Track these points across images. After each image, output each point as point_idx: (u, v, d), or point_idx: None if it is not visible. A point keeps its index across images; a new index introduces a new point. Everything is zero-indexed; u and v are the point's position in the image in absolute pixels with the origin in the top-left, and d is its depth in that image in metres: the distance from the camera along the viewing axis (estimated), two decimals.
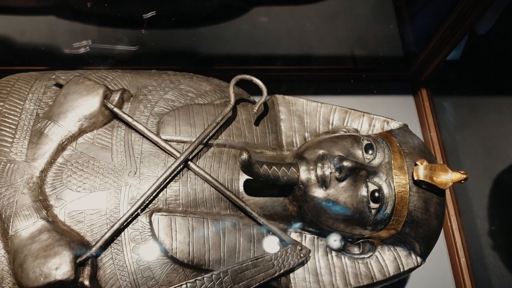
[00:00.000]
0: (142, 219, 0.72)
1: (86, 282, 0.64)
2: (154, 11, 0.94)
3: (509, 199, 1.22)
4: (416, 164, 0.75)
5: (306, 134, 0.88)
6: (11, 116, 0.75)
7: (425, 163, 0.75)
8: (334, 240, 0.78)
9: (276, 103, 0.90)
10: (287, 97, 0.91)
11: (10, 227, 0.66)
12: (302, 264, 0.77)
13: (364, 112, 0.91)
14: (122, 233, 0.70)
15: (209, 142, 0.80)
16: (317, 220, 0.75)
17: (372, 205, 0.73)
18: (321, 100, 1.29)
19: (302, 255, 0.76)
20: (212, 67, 1.25)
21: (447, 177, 0.74)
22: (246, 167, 0.69)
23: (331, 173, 0.73)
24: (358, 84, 1.32)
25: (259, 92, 0.84)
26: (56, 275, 0.63)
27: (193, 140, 0.78)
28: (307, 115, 0.90)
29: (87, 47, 0.99)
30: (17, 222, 0.66)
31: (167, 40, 1.14)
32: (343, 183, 0.73)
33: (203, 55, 1.23)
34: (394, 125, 0.89)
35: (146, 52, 1.09)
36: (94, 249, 0.66)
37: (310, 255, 0.77)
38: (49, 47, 1.16)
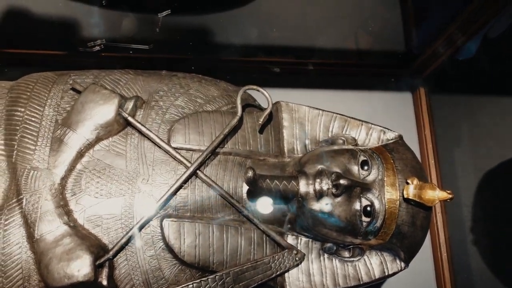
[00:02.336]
0: (154, 223, 0.79)
1: (104, 282, 0.72)
2: (169, 10, 0.97)
3: (494, 197, 1.29)
4: (407, 183, 0.82)
5: (307, 141, 0.93)
6: (32, 123, 0.80)
7: (415, 181, 0.82)
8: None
9: (279, 110, 0.94)
10: (290, 104, 0.96)
11: (36, 231, 0.73)
12: (297, 266, 0.85)
13: (362, 121, 0.96)
14: (136, 237, 0.77)
15: (216, 150, 0.85)
16: (312, 228, 0.83)
17: (364, 218, 0.80)
18: (320, 94, 1.34)
19: (297, 258, 0.84)
20: (220, 58, 1.28)
21: (434, 195, 0.81)
22: (251, 184, 0.75)
23: (328, 189, 0.79)
24: (358, 79, 1.36)
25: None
26: (78, 277, 0.70)
27: (201, 148, 0.83)
28: (308, 122, 0.95)
29: (102, 46, 1.02)
30: (42, 227, 0.73)
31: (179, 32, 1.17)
32: (339, 198, 0.80)
33: (210, 45, 1.26)
34: (390, 135, 0.94)
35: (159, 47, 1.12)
36: (111, 252, 0.74)
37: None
38: (59, 32, 1.19)
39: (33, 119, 0.81)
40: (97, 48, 1.01)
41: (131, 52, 1.09)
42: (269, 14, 1.25)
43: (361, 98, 1.35)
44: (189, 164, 0.81)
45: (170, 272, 0.78)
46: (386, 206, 0.81)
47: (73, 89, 0.85)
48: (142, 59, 1.20)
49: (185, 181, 0.81)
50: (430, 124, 1.32)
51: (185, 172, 0.80)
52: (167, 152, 0.82)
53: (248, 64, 1.30)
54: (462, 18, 1.13)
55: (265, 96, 0.89)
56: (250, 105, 0.96)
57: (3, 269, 0.73)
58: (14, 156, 0.78)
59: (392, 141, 0.93)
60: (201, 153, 0.82)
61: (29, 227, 0.73)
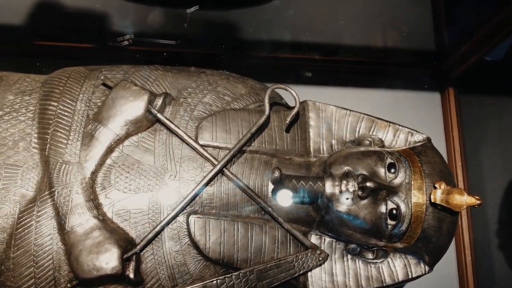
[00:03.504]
0: (180, 219, 0.80)
1: (131, 275, 0.74)
2: (197, 6, 0.98)
3: None
4: (435, 187, 0.81)
5: (333, 141, 0.93)
6: (64, 118, 0.82)
7: (443, 186, 0.81)
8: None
9: (306, 109, 0.94)
10: (317, 103, 0.95)
11: (67, 223, 0.75)
12: (320, 265, 0.85)
13: (390, 123, 0.95)
14: (162, 232, 0.79)
15: (243, 148, 0.86)
16: (337, 229, 0.83)
17: (389, 221, 0.80)
18: (347, 93, 1.33)
19: (320, 258, 0.84)
20: (247, 55, 1.28)
21: (462, 201, 0.80)
22: (278, 183, 0.75)
23: (354, 191, 0.79)
24: (386, 79, 1.34)
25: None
26: (106, 269, 0.72)
27: (228, 146, 0.84)
28: (335, 122, 0.94)
29: (130, 40, 1.03)
30: (73, 219, 0.75)
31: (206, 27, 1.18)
32: (365, 201, 0.79)
33: (238, 42, 1.26)
34: (418, 137, 0.93)
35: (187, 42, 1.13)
36: (138, 247, 0.75)
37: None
38: (89, 26, 1.21)
39: (65, 113, 0.83)
40: (126, 42, 1.03)
41: (160, 48, 1.10)
42: (297, 12, 1.24)
43: (389, 97, 1.33)
44: (216, 162, 0.81)
45: (195, 267, 0.79)
46: (413, 210, 0.80)
47: (104, 84, 0.87)
48: (170, 54, 1.21)
49: (212, 179, 0.82)
50: (458, 125, 1.29)
51: (212, 170, 0.80)
52: (194, 149, 0.83)
53: (275, 61, 1.29)
54: (495, 20, 1.10)
55: (292, 95, 0.88)
56: (277, 103, 0.96)
57: (35, 258, 0.76)
58: (47, 150, 0.80)
59: (420, 143, 0.92)
60: (228, 151, 0.83)
61: (60, 219, 0.76)
